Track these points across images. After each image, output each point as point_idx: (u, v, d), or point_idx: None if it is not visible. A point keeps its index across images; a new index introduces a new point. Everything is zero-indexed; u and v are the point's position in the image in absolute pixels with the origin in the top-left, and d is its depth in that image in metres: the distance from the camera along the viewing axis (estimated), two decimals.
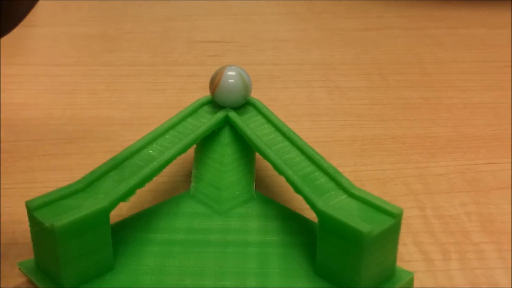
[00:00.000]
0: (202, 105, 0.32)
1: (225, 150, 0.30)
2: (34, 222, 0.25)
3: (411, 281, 0.26)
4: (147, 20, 0.54)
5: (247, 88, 0.31)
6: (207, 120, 0.30)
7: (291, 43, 0.50)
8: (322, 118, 0.39)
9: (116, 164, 0.27)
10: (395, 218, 0.25)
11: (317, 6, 0.57)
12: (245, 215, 0.29)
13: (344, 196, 0.26)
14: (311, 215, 0.28)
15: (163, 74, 0.45)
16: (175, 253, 0.27)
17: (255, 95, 0.42)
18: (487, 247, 0.29)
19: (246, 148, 0.31)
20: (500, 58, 0.48)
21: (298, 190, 0.27)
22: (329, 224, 0.25)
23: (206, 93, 0.32)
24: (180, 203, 0.30)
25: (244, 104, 0.32)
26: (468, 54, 0.48)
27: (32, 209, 0.25)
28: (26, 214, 0.30)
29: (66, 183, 0.33)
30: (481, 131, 0.38)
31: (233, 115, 0.30)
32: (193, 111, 0.31)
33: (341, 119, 0.39)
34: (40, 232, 0.25)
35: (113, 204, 0.25)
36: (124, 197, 0.26)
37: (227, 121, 0.31)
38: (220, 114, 0.30)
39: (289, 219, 0.29)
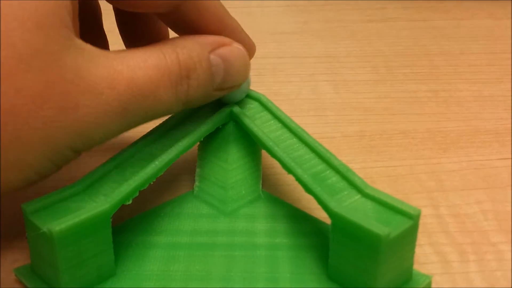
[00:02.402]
0: None
1: (230, 148, 0.29)
2: (30, 226, 0.23)
3: (429, 285, 0.25)
4: None
5: (248, 81, 0.29)
6: (211, 116, 0.29)
7: (294, 36, 0.48)
8: (328, 112, 0.38)
9: (117, 164, 0.26)
10: (412, 219, 0.23)
11: None
12: (252, 216, 0.28)
13: (358, 196, 0.25)
14: (321, 215, 0.27)
15: None
16: (180, 257, 0.26)
17: (259, 89, 0.41)
18: (505, 247, 0.28)
19: (252, 145, 0.29)
20: (508, 50, 0.46)
21: (308, 190, 0.25)
22: (343, 226, 0.23)
23: None
24: (183, 203, 0.29)
25: (249, 99, 0.30)
26: (476, 46, 0.47)
27: (29, 212, 0.23)
28: (22, 217, 0.29)
29: (64, 183, 0.31)
30: (493, 124, 0.37)
31: (237, 110, 0.29)
32: (196, 107, 0.30)
33: (347, 113, 0.38)
34: (37, 237, 0.23)
35: (114, 207, 0.24)
36: (126, 198, 0.25)
37: (232, 117, 0.29)
38: (224, 110, 0.29)
39: (298, 220, 0.28)
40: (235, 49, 0.27)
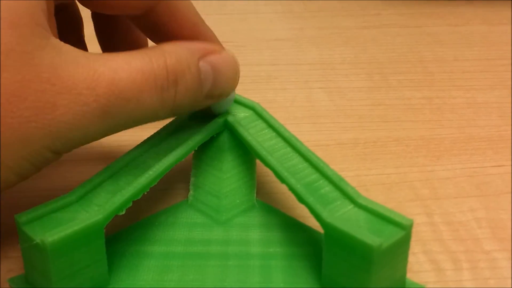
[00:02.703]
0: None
1: (224, 156, 0.29)
2: (24, 237, 0.23)
3: None
4: None
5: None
6: (206, 125, 0.29)
7: (288, 43, 0.48)
8: (323, 120, 0.38)
9: (111, 174, 0.26)
10: (405, 229, 0.23)
11: (314, 4, 0.56)
12: (246, 225, 0.28)
13: (350, 206, 0.25)
14: (315, 223, 0.27)
15: None
16: (174, 267, 0.26)
17: (253, 96, 0.41)
18: (499, 255, 0.28)
19: (247, 154, 0.29)
20: (502, 56, 0.46)
21: (301, 200, 0.25)
22: (335, 236, 0.23)
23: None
24: (178, 212, 0.29)
25: (243, 108, 0.30)
26: (470, 52, 0.47)
27: (22, 223, 0.23)
28: (16, 226, 0.29)
29: (57, 192, 0.31)
30: (486, 132, 0.37)
31: (232, 119, 0.29)
32: (190, 116, 0.30)
33: (342, 121, 0.38)
34: (30, 248, 0.23)
35: (108, 217, 0.24)
36: (119, 209, 0.25)
37: (226, 126, 0.29)
38: (219, 119, 0.29)
39: (292, 229, 0.28)
40: (224, 56, 0.27)
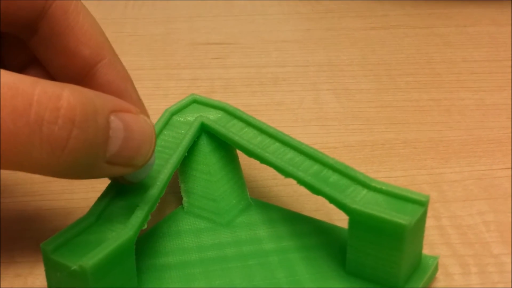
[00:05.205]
0: (172, 115, 0.30)
1: (209, 160, 0.29)
2: (54, 266, 0.22)
3: (437, 265, 0.26)
4: (147, 22, 0.52)
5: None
6: (185, 130, 0.29)
7: (296, 44, 0.48)
8: (330, 122, 0.38)
9: (116, 191, 0.25)
10: (424, 205, 0.24)
11: (321, 5, 0.55)
12: (251, 224, 0.28)
13: (365, 191, 0.25)
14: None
15: (165, 78, 0.44)
16: (197, 274, 0.26)
17: (260, 99, 0.41)
18: (507, 259, 0.28)
19: (229, 154, 0.29)
20: (511, 57, 0.46)
21: (316, 191, 0.25)
22: (363, 221, 0.24)
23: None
24: (178, 221, 0.29)
25: (213, 110, 0.30)
26: (478, 53, 0.47)
27: (50, 251, 0.22)
28: (24, 229, 0.29)
29: (66, 196, 0.31)
30: (495, 134, 0.37)
31: (210, 122, 0.29)
32: (166, 123, 0.29)
33: (349, 123, 0.38)
34: (65, 276, 0.22)
35: (137, 232, 0.23)
36: (143, 223, 0.24)
37: (203, 129, 0.29)
38: (196, 123, 0.29)
39: (295, 221, 0.28)
40: (141, 120, 0.23)
